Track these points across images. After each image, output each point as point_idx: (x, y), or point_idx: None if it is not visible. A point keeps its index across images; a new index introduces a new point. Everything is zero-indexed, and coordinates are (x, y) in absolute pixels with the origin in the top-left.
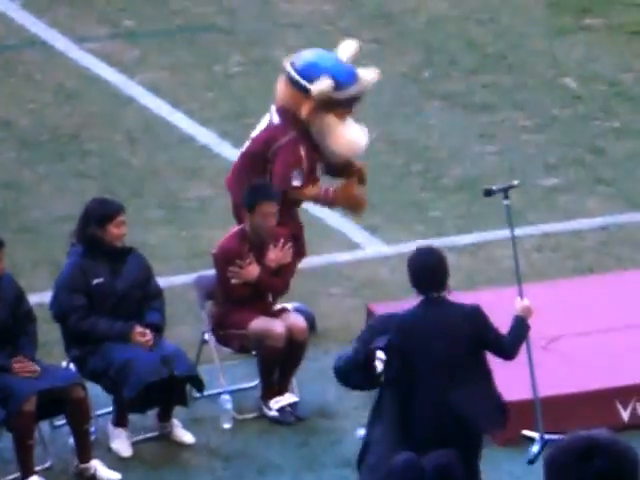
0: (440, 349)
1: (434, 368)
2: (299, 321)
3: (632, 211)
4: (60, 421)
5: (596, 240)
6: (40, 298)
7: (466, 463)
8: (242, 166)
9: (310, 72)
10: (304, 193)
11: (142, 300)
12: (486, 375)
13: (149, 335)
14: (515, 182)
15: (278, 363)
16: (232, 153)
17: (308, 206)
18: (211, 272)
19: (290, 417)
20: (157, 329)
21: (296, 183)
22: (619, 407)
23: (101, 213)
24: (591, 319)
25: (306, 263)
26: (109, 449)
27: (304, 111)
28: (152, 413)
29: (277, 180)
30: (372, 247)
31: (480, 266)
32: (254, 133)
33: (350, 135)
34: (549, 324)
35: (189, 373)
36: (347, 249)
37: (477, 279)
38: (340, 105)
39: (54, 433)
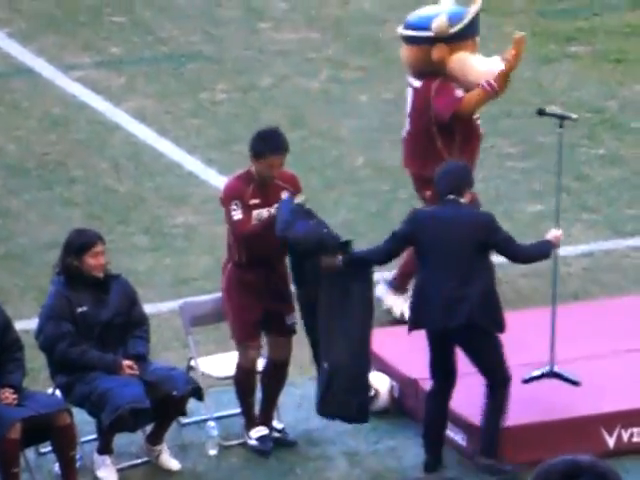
0: (448, 244)
1: (440, 261)
2: (281, 344)
3: (617, 238)
4: (46, 448)
5: (581, 267)
6: (26, 325)
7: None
8: (414, 144)
9: (423, 22)
10: (472, 100)
11: (126, 327)
12: (490, 275)
13: (136, 369)
14: (574, 116)
15: (251, 389)
16: (218, 180)
17: None
18: (197, 298)
19: (269, 446)
20: (142, 359)
21: (461, 94)
22: (604, 433)
23: (77, 244)
24: (576, 346)
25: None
26: (95, 477)
27: (435, 55)
28: (139, 439)
29: (448, 108)
30: None
31: None
32: (407, 110)
33: (486, 65)
34: (535, 351)
35: (189, 387)
36: None
37: None
38: (464, 37)
39: (40, 460)
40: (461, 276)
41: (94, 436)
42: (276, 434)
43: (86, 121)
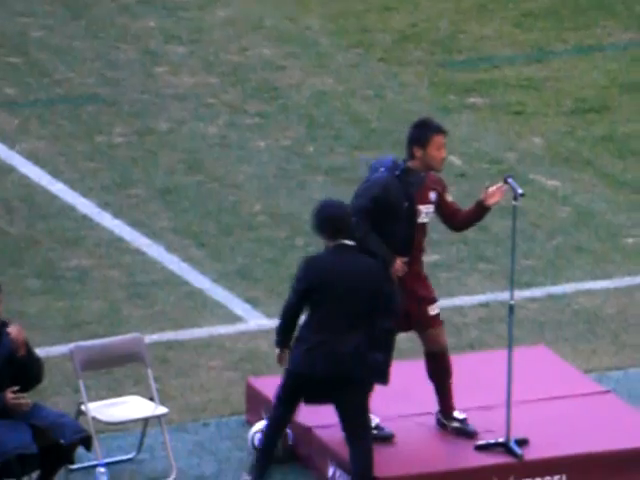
0: (341, 292)
1: (333, 308)
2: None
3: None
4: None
5: (477, 317)
6: None
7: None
8: None
9: None
10: None
11: (18, 372)
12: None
13: (26, 399)
14: (520, 191)
15: None
16: (113, 223)
17: (189, 277)
18: (89, 342)
19: (471, 427)
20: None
21: None
22: None
23: None
24: (472, 395)
25: (187, 335)
26: None
27: None
28: None
29: None
30: (253, 320)
31: None
32: None
33: None
34: (423, 400)
35: (78, 437)
36: (228, 322)
37: None
38: None
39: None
40: (354, 324)
41: None
42: (456, 424)
43: None
